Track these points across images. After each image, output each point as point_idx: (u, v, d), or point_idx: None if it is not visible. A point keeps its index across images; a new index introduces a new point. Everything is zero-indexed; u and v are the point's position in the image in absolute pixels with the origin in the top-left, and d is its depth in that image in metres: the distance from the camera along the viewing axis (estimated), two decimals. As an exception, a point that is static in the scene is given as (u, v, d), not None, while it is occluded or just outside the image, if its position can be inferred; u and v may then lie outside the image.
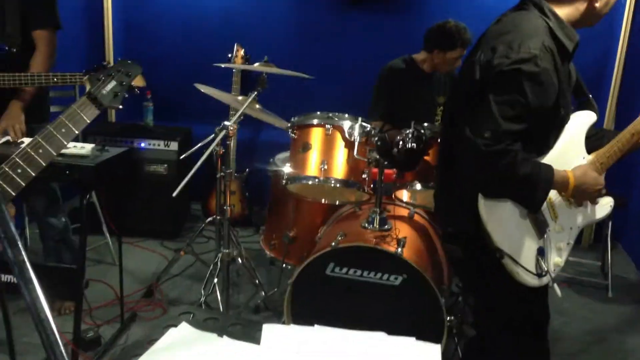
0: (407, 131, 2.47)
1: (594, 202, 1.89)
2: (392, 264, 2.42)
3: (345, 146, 2.66)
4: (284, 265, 3.18)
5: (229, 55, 4.08)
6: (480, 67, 1.72)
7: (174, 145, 4.07)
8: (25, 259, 0.69)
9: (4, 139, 2.62)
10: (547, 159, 1.80)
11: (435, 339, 2.33)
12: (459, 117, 1.77)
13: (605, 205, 1.95)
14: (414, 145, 2.44)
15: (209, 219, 3.57)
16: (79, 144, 2.66)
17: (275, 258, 3.30)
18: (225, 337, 1.20)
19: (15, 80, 2.59)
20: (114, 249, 3.73)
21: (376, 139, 2.51)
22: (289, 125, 2.82)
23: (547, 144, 1.81)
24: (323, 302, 2.56)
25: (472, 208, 1.74)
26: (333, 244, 2.45)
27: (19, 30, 2.73)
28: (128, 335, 2.94)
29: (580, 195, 1.81)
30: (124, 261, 3.05)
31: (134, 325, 3.05)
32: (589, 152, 1.90)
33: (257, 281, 3.29)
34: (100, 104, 1.29)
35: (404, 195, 2.95)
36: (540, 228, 1.80)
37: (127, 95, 1.40)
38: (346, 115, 2.71)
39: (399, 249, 2.39)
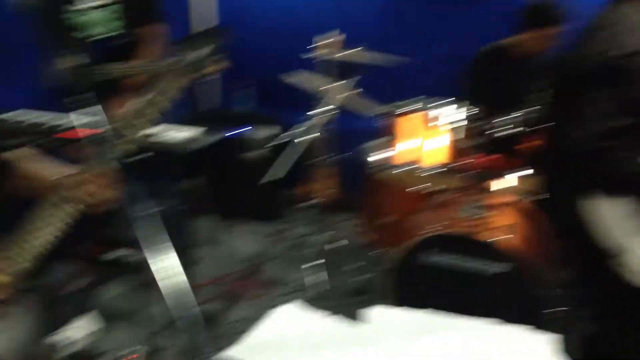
0: (509, 116, 2.42)
1: None
2: (492, 252, 2.38)
3: (445, 131, 2.63)
4: (379, 250, 3.20)
5: (323, 43, 4.10)
6: (584, 60, 1.65)
7: (271, 131, 4.19)
8: (165, 238, 0.75)
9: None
10: None
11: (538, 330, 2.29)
12: (563, 110, 1.71)
13: None
14: (516, 130, 2.39)
15: (307, 203, 3.64)
16: (185, 128, 2.74)
17: (371, 243, 3.33)
18: (331, 316, 1.24)
19: (122, 70, 2.75)
20: (216, 229, 3.89)
21: (478, 124, 2.47)
22: (385, 112, 2.82)
23: None
24: (420, 288, 2.56)
25: (584, 202, 1.69)
26: (431, 231, 2.44)
27: (128, 24, 2.89)
28: (231, 314, 3.08)
29: None
30: (226, 242, 3.17)
31: (235, 304, 3.19)
32: None
33: (357, 264, 3.33)
34: (192, 72, 1.26)
35: (507, 181, 2.88)
36: None
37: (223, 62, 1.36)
38: (445, 100, 2.67)
39: (500, 237, 2.35)
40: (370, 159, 3.19)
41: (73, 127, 2.73)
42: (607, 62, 1.57)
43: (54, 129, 2.69)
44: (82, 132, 2.58)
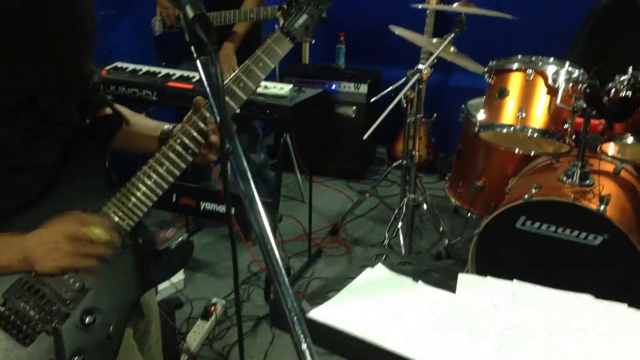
0: (622, 77, 2.22)
1: None
2: (592, 222, 2.24)
3: (547, 93, 2.47)
4: (469, 214, 3.11)
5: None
6: None
7: (363, 88, 4.12)
8: (255, 193, 0.73)
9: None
10: None
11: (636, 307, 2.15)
12: None
13: None
14: (629, 93, 2.19)
15: (395, 163, 3.58)
16: (278, 85, 2.79)
17: (460, 206, 3.24)
18: (420, 281, 1.20)
19: (220, 19, 2.78)
20: (303, 186, 3.92)
21: (585, 85, 2.30)
22: (485, 69, 2.68)
23: None
24: (510, 256, 2.46)
25: None
26: (526, 196, 2.32)
27: None
28: (314, 270, 3.12)
29: None
30: (312, 199, 3.20)
31: (319, 261, 3.23)
32: None
33: (440, 228, 3.27)
34: (293, 37, 1.30)
35: (611, 148, 2.69)
36: None
37: (317, 29, 1.38)
38: (551, 60, 2.50)
39: (602, 207, 2.20)
40: (468, 117, 3.07)
41: (185, 78, 2.81)
42: None
43: (167, 79, 2.80)
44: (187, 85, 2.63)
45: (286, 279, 0.71)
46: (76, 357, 1.11)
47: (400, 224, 3.10)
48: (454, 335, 1.01)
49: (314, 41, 1.43)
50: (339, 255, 3.28)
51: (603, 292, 2.18)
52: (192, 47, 0.82)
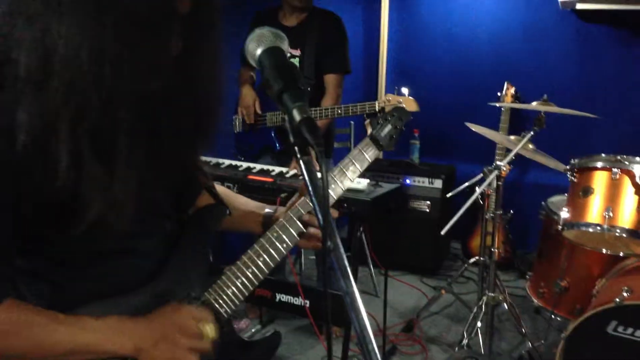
0: None
1: None
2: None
3: (635, 192, 2.40)
4: (552, 316, 2.96)
5: (499, 94, 4.01)
6: None
7: (437, 183, 4.12)
8: (356, 291, 0.74)
9: (292, 172, 2.92)
10: None
11: None
12: None
13: None
14: None
15: (473, 259, 3.51)
16: (356, 179, 2.84)
17: (542, 307, 3.10)
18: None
19: (315, 113, 2.91)
20: (376, 280, 3.88)
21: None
22: (567, 167, 2.65)
23: None
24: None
25: None
26: (617, 299, 2.21)
27: (313, 72, 3.07)
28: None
29: None
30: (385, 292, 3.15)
31: (393, 359, 3.12)
32: None
33: (522, 330, 3.12)
34: (380, 145, 1.36)
35: None
36: None
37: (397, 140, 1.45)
38: (637, 158, 2.45)
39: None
40: (549, 215, 3.00)
41: (265, 171, 2.92)
42: None
43: (248, 172, 2.92)
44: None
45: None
46: None
47: (479, 324, 2.98)
48: None
49: (393, 149, 1.49)
50: (414, 353, 3.17)
51: None
52: (296, 147, 0.86)
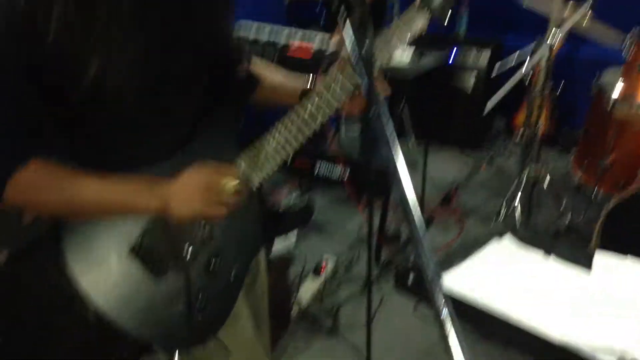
0: None
1: None
2: None
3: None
4: (595, 191, 2.94)
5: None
6: None
7: (484, 57, 3.96)
8: (400, 160, 0.73)
9: (333, 43, 2.81)
10: None
11: None
12: None
13: None
14: None
15: (517, 133, 3.43)
16: (401, 49, 2.74)
17: (584, 184, 3.07)
18: (552, 256, 1.16)
19: None
20: (418, 152, 3.87)
21: None
22: (625, 40, 2.49)
23: None
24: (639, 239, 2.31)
25: None
26: (663, 178, 2.17)
27: None
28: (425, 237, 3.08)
29: None
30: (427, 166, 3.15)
31: (429, 229, 3.19)
32: None
33: (562, 205, 3.11)
34: (431, 11, 1.25)
35: None
36: None
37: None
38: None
39: None
40: (601, 91, 2.87)
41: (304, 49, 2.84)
42: None
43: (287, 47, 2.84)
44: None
45: (427, 250, 0.71)
46: (200, 295, 1.18)
47: (519, 197, 2.98)
48: (590, 315, 0.97)
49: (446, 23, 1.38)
50: (451, 225, 3.23)
51: None
52: (343, 6, 0.81)
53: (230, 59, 1.29)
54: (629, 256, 1.15)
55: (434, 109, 4.11)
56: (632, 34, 2.45)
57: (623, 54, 2.46)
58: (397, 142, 0.74)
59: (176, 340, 1.19)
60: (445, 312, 0.68)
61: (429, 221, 3.24)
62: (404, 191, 0.73)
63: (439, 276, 0.70)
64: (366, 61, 0.77)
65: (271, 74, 1.37)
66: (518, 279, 1.08)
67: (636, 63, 2.40)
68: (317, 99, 1.18)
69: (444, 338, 0.67)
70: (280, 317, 2.32)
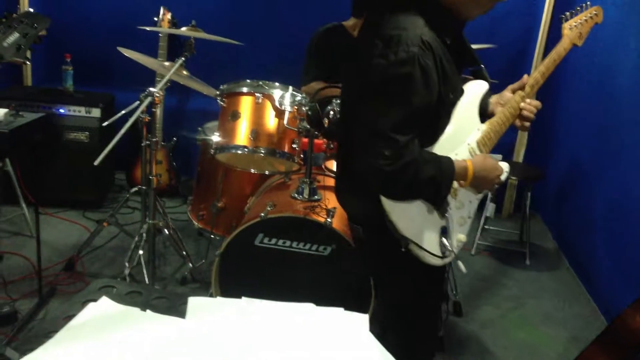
0: (337, 101, 2.44)
1: (493, 189, 1.84)
2: (321, 234, 2.42)
3: (276, 115, 2.62)
4: (212, 236, 3.13)
5: (155, 19, 3.92)
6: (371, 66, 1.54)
7: (95, 112, 3.89)
8: None
9: None
10: (442, 140, 1.69)
11: (364, 309, 2.37)
12: (355, 118, 1.64)
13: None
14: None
15: (134, 188, 3.44)
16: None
17: (203, 229, 3.25)
18: (148, 311, 1.16)
19: None
20: (31, 220, 3.55)
21: (306, 108, 2.48)
22: (217, 93, 2.74)
23: (440, 129, 1.70)
24: (252, 273, 2.53)
25: (375, 199, 1.63)
26: (262, 214, 2.42)
27: None
28: (47, 310, 2.83)
29: (480, 183, 1.73)
30: (43, 233, 2.91)
31: (53, 300, 2.93)
32: (485, 120, 1.81)
33: (184, 252, 3.23)
34: (0, 57, 1.17)
35: (334, 165, 2.95)
36: (442, 208, 1.72)
37: (32, 49, 1.28)
38: (277, 84, 2.66)
39: (329, 219, 2.40)
40: (205, 140, 3.08)
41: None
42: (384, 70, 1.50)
43: None
44: None
45: None
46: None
47: (141, 252, 2.98)
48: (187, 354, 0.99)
49: (28, 63, 1.30)
50: (76, 291, 3.03)
51: (339, 297, 2.36)
52: None
53: None
54: (218, 298, 1.23)
55: (47, 170, 3.85)
56: (222, 87, 2.71)
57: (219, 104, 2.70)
58: None
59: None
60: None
61: (51, 291, 2.97)
62: None
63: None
64: None
65: None
66: (113, 341, 1.04)
67: (228, 112, 2.66)
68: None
69: None
70: None
